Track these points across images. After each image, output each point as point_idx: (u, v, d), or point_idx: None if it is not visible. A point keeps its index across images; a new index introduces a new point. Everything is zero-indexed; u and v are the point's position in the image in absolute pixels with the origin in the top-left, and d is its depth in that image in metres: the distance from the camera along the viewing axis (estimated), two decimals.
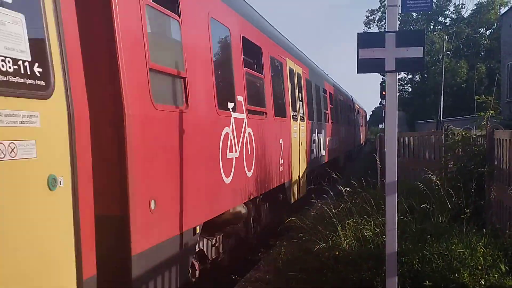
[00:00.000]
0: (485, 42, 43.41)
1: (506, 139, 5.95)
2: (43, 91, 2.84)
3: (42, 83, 2.84)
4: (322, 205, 7.38)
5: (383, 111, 22.95)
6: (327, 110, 14.99)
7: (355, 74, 4.79)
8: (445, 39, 39.46)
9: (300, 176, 10.27)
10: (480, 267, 4.92)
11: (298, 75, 10.53)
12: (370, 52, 4.37)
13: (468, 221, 5.84)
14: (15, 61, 2.65)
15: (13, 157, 2.57)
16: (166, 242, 4.20)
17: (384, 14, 44.12)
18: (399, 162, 4.89)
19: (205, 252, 5.62)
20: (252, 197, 6.89)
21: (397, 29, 4.45)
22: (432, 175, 7.13)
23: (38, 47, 2.83)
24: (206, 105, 5.24)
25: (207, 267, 5.80)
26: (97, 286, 3.30)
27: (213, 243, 5.86)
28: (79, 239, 3.10)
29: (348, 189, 6.90)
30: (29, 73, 2.74)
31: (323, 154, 13.74)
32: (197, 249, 5.22)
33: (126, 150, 3.54)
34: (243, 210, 6.53)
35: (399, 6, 4.44)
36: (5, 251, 2.51)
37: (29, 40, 2.76)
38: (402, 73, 43.69)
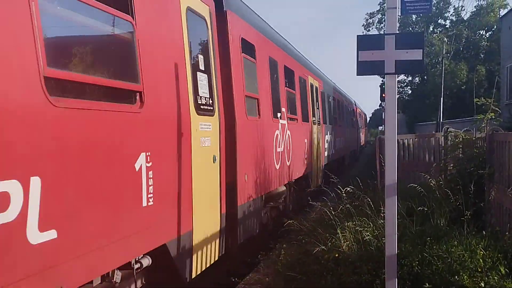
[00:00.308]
0: (485, 44, 43.45)
1: (506, 141, 5.96)
2: (212, 112, 5.51)
3: (211, 108, 5.51)
4: (321, 207, 7.38)
5: (383, 113, 23.04)
6: (336, 115, 17.84)
7: (355, 76, 4.81)
8: (445, 41, 39.51)
9: (318, 168, 13.00)
10: (480, 270, 4.91)
11: (316, 88, 13.36)
12: (369, 54, 4.37)
13: (467, 223, 5.84)
14: (205, 98, 5.29)
15: (205, 145, 5.22)
16: (250, 201, 6.77)
17: (383, 16, 44.16)
18: (398, 164, 4.89)
19: (262, 216, 7.77)
20: (289, 181, 9.37)
21: (397, 32, 4.45)
22: (429, 178, 7.12)
23: (211, 90, 5.50)
24: (267, 115, 7.83)
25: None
26: (225, 220, 5.88)
27: (265, 212, 8.08)
28: (220, 193, 5.73)
29: (348, 188, 6.91)
30: (208, 103, 5.40)
31: (333, 152, 16.48)
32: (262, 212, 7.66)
33: (236, 144, 6.07)
34: (283, 189, 8.85)
35: (398, 8, 4.44)
36: (203, 189, 5.15)
37: (208, 87, 5.43)
38: (402, 75, 43.78)
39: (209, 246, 5.43)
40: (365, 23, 50.34)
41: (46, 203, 2.86)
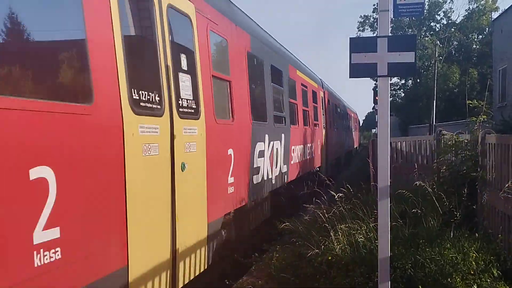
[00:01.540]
0: (477, 47, 43.73)
1: (497, 144, 5.97)
2: (323, 127, 15.89)
3: (324, 125, 15.99)
4: (315, 209, 7.35)
5: (376, 116, 23.43)
6: (348, 123, 27.57)
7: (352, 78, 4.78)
8: (437, 44, 39.71)
9: (345, 153, 23.39)
10: (472, 272, 4.92)
11: (340, 108, 22.39)
12: (362, 56, 4.37)
13: (460, 226, 5.84)
14: (325, 123, 16.72)
15: (322, 139, 15.56)
16: (331, 160, 17.68)
17: (376, 20, 44.24)
18: (391, 167, 4.89)
19: (332, 169, 17.24)
20: (336, 157, 19.49)
21: (389, 34, 4.45)
22: (422, 181, 7.11)
23: (323, 119, 16.38)
24: (331, 127, 17.81)
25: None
26: (326, 165, 16.30)
27: (332, 166, 17.69)
28: (326, 154, 16.16)
29: (341, 194, 6.88)
30: (324, 125, 16.20)
31: (347, 147, 26.12)
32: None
33: (327, 139, 16.58)
34: (334, 162, 18.52)
35: (391, 11, 4.44)
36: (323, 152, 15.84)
37: (323, 118, 16.27)
38: (395, 78, 43.88)
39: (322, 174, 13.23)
40: (359, 25, 50.48)
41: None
